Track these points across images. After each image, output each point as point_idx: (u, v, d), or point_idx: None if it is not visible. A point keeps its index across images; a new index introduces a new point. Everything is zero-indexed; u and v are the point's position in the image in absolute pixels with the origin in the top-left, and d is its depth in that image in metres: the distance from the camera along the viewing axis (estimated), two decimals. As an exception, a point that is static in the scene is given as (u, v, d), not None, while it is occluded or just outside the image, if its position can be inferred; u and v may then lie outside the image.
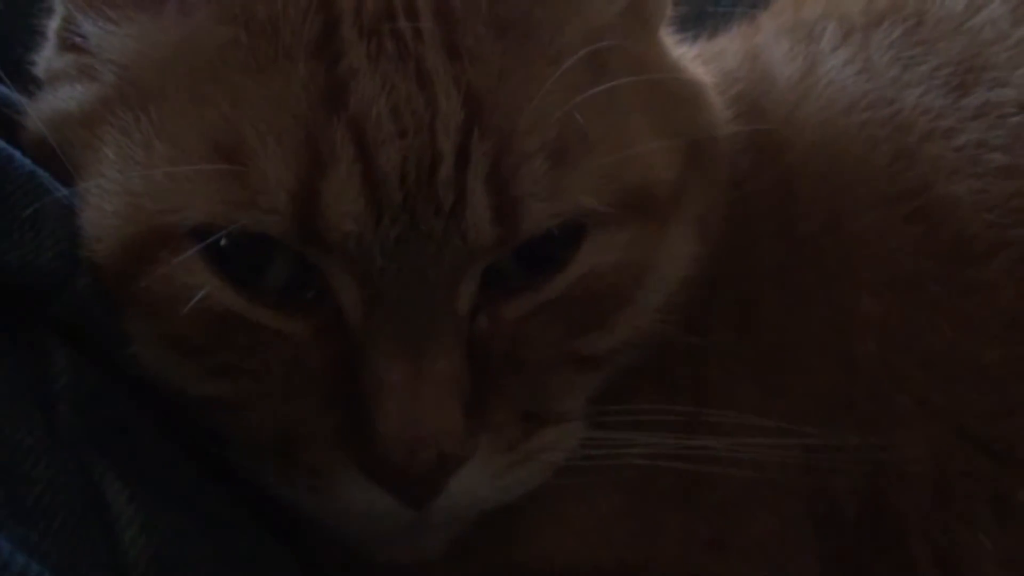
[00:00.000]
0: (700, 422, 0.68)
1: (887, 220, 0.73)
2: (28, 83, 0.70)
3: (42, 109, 0.68)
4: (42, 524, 0.55)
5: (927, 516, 0.70)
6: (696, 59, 0.78)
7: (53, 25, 0.70)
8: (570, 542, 0.71)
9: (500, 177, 0.61)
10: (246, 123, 0.60)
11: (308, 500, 0.64)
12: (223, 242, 0.61)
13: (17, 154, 0.63)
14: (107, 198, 0.63)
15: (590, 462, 0.67)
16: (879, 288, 0.72)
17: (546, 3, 0.65)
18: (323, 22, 0.62)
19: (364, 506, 0.63)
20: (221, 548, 0.62)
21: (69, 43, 0.68)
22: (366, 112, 0.60)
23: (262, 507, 0.67)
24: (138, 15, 0.65)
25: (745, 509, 0.71)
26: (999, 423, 0.70)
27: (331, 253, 0.61)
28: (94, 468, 0.58)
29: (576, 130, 0.62)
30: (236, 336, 0.62)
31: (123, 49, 0.65)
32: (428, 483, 0.62)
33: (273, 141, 0.60)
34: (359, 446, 0.61)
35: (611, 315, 0.67)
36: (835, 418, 0.70)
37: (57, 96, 0.68)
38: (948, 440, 0.70)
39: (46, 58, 0.71)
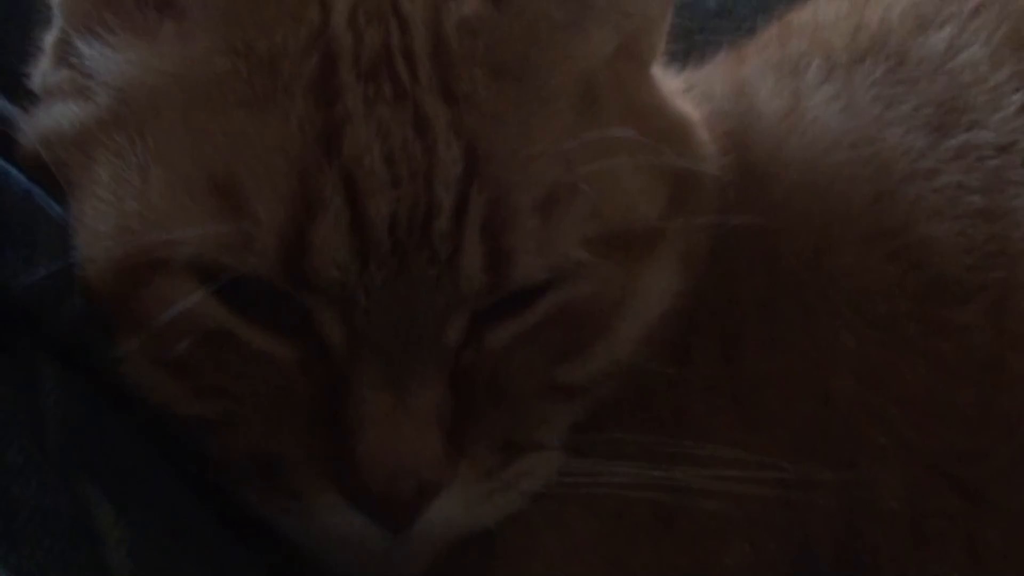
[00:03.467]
0: (678, 453, 0.69)
1: (867, 258, 0.74)
2: (23, 97, 0.70)
3: (36, 125, 0.68)
4: (29, 545, 0.55)
5: (902, 554, 0.71)
6: (685, 93, 0.79)
7: (50, 39, 0.70)
8: (545, 568, 0.71)
9: (493, 228, 0.62)
10: (242, 162, 0.60)
11: (288, 522, 0.65)
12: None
13: (13, 171, 0.64)
14: (101, 220, 0.63)
15: (568, 489, 0.68)
16: (858, 325, 0.73)
17: (541, 45, 0.65)
18: (322, 60, 0.62)
19: (343, 529, 0.63)
20: (208, 571, 0.63)
21: (65, 60, 0.68)
22: (359, 160, 0.60)
23: (247, 528, 0.67)
24: (135, 40, 0.65)
25: (720, 540, 0.71)
26: (973, 464, 0.71)
27: (316, 293, 0.61)
28: (82, 489, 0.59)
29: (567, 176, 0.63)
30: (227, 357, 0.63)
31: (119, 73, 0.65)
32: (407, 509, 0.63)
33: (268, 184, 0.60)
34: (340, 471, 0.62)
35: (589, 344, 0.67)
36: (812, 453, 0.71)
37: (51, 113, 0.68)
38: (923, 478, 0.71)
39: (42, 72, 0.70)
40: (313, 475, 0.63)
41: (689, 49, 0.84)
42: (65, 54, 0.68)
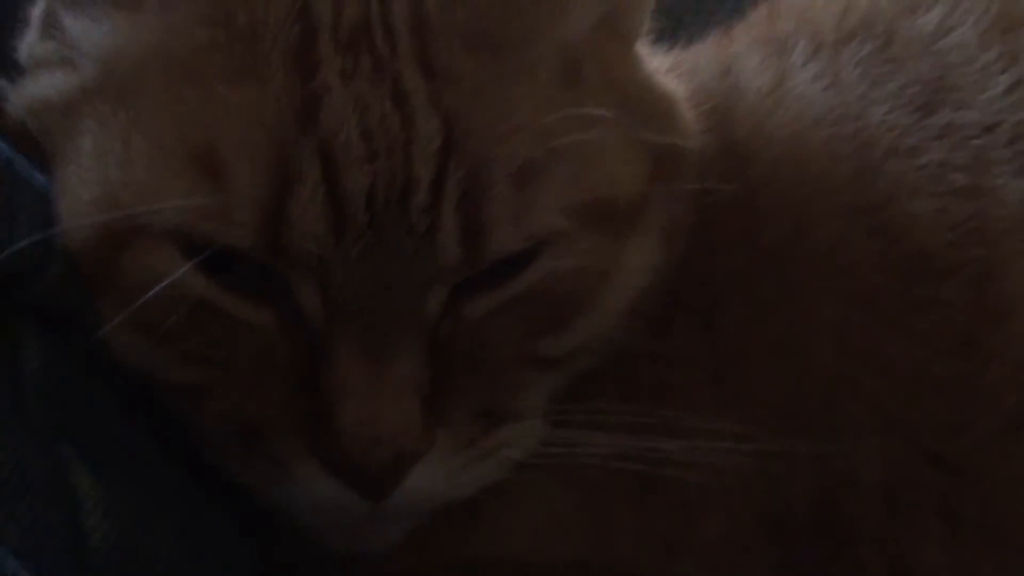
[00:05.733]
0: (658, 424, 0.69)
1: (848, 233, 0.74)
2: (10, 69, 0.71)
3: (22, 95, 0.68)
4: (6, 507, 0.55)
5: (879, 526, 0.72)
6: (670, 71, 0.79)
7: (37, 11, 0.70)
8: (525, 538, 0.72)
9: (469, 202, 0.62)
10: (222, 133, 0.61)
11: (268, 489, 0.65)
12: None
13: (-4, 141, 0.64)
14: (84, 187, 0.64)
15: (548, 460, 0.68)
16: (838, 300, 0.73)
17: (523, 16, 0.65)
18: (302, 32, 0.62)
19: (322, 497, 0.64)
20: (185, 536, 0.63)
21: (50, 32, 0.68)
22: (335, 133, 0.61)
23: (225, 497, 0.68)
24: (117, 12, 0.65)
25: (698, 511, 0.72)
26: (952, 439, 0.71)
27: (294, 265, 0.62)
28: (60, 452, 0.59)
29: (546, 149, 0.63)
30: (208, 324, 0.63)
31: (102, 44, 0.65)
32: (385, 478, 0.63)
33: (247, 156, 0.60)
34: (319, 439, 0.63)
35: (570, 318, 0.68)
36: (790, 427, 0.71)
37: (38, 84, 0.68)
38: (901, 451, 0.72)
39: (28, 44, 0.71)
40: (293, 443, 0.64)
41: (676, 28, 0.84)
42: (50, 26, 0.68)
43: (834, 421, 0.72)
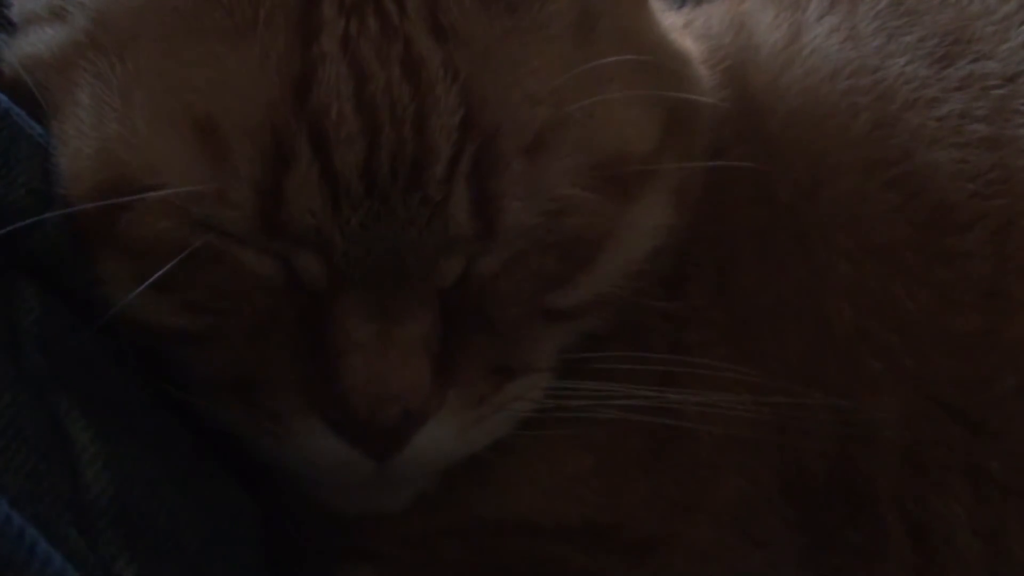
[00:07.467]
0: (672, 376, 0.68)
1: (866, 186, 0.73)
2: (5, 27, 0.69)
3: (16, 52, 0.67)
4: (4, 458, 0.54)
5: (899, 483, 0.70)
6: (684, 29, 0.78)
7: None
8: (536, 499, 0.71)
9: (481, 174, 0.60)
10: (222, 102, 0.59)
11: (267, 444, 0.64)
12: None
13: (-8, 91, 0.63)
14: (84, 141, 0.62)
15: (562, 413, 0.67)
16: (856, 254, 0.72)
17: None
18: None
19: (324, 455, 0.62)
20: (183, 490, 0.62)
21: None
22: (326, 110, 0.58)
23: (226, 458, 0.67)
24: None
25: (714, 471, 0.71)
26: (974, 393, 0.70)
27: (293, 240, 0.60)
28: (59, 406, 0.58)
29: (558, 113, 0.61)
30: (212, 274, 0.61)
31: None
32: (392, 437, 0.62)
33: (246, 134, 0.58)
34: (323, 396, 0.61)
35: (576, 273, 0.66)
36: (808, 383, 0.70)
37: (30, 39, 0.66)
38: (922, 408, 0.70)
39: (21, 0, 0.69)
40: (294, 397, 0.62)
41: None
42: None
43: (852, 378, 0.71)
